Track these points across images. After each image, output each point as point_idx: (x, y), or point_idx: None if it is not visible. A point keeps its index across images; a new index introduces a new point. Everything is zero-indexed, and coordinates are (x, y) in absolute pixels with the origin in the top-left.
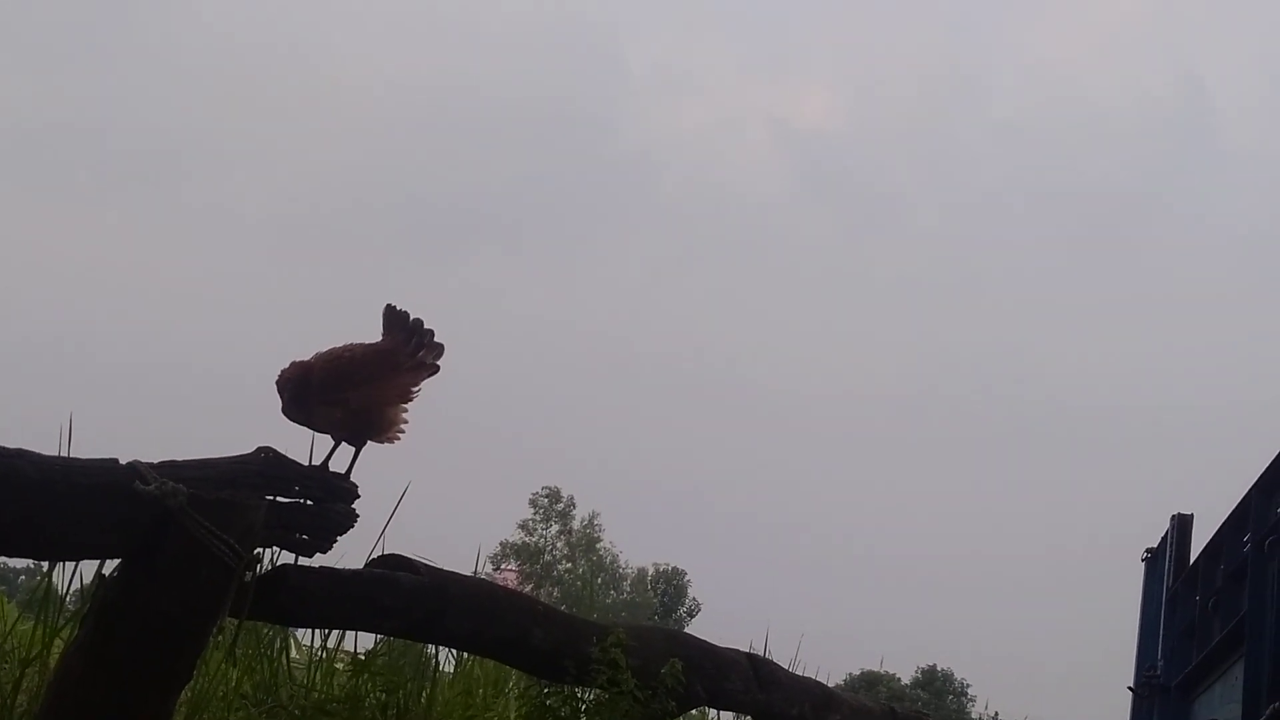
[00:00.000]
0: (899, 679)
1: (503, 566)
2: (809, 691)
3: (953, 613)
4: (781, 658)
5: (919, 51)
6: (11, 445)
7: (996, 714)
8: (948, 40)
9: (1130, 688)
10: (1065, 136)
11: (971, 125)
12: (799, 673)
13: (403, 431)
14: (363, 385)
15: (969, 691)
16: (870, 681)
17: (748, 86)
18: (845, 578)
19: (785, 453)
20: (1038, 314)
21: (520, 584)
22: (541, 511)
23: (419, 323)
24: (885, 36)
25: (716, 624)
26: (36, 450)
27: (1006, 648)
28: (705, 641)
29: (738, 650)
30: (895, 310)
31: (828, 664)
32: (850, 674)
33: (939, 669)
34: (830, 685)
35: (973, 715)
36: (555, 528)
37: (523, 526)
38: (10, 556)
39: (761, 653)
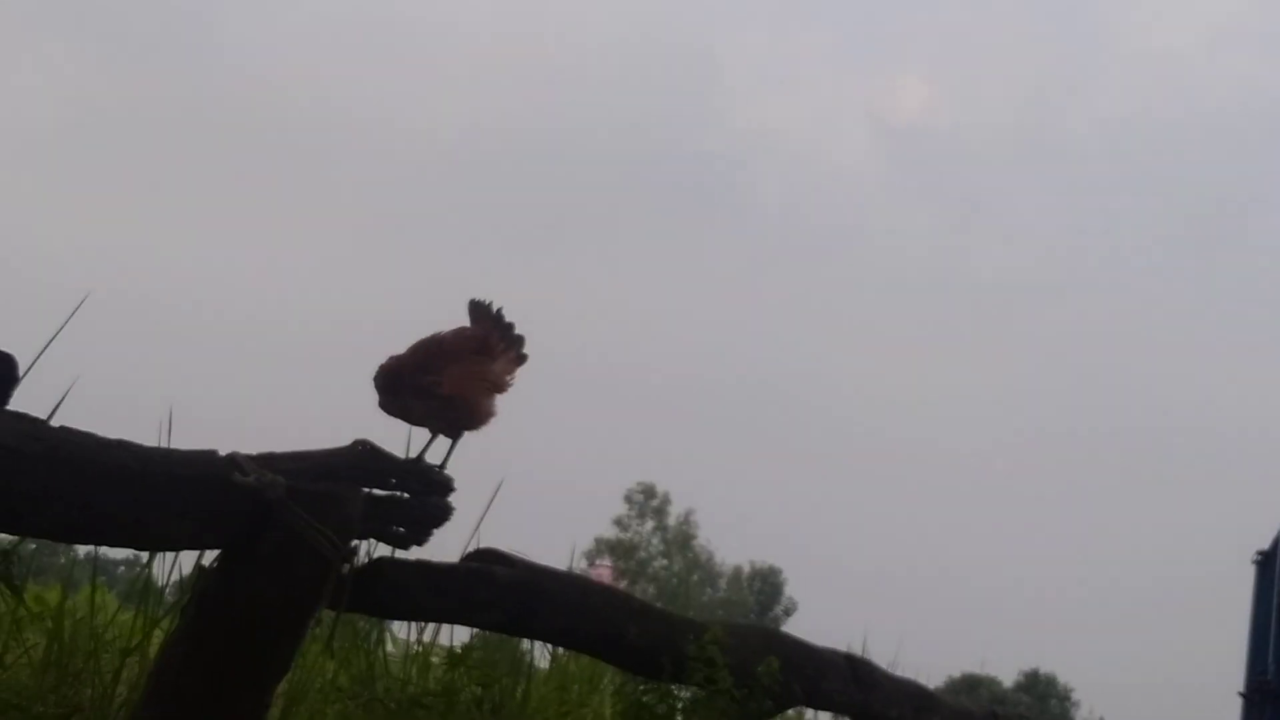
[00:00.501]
0: (1001, 682)
1: (597, 562)
2: (909, 693)
3: (1057, 616)
4: (880, 659)
5: (1023, 43)
6: (112, 436)
7: (1101, 719)
8: (1052, 32)
9: (1240, 693)
10: (1175, 134)
11: (1077, 120)
12: (898, 674)
13: (494, 422)
14: (450, 367)
15: (1073, 696)
16: (971, 684)
17: (844, 81)
18: (947, 579)
19: (882, 452)
20: (1145, 318)
21: (615, 580)
22: (636, 508)
23: (501, 313)
24: (987, 28)
25: (814, 623)
26: (137, 441)
27: (1111, 652)
28: (803, 640)
29: (836, 650)
30: (996, 310)
31: (928, 666)
32: (950, 676)
33: (1041, 673)
34: (930, 688)
35: None
36: (650, 524)
37: (618, 522)
38: (112, 547)
39: (860, 653)
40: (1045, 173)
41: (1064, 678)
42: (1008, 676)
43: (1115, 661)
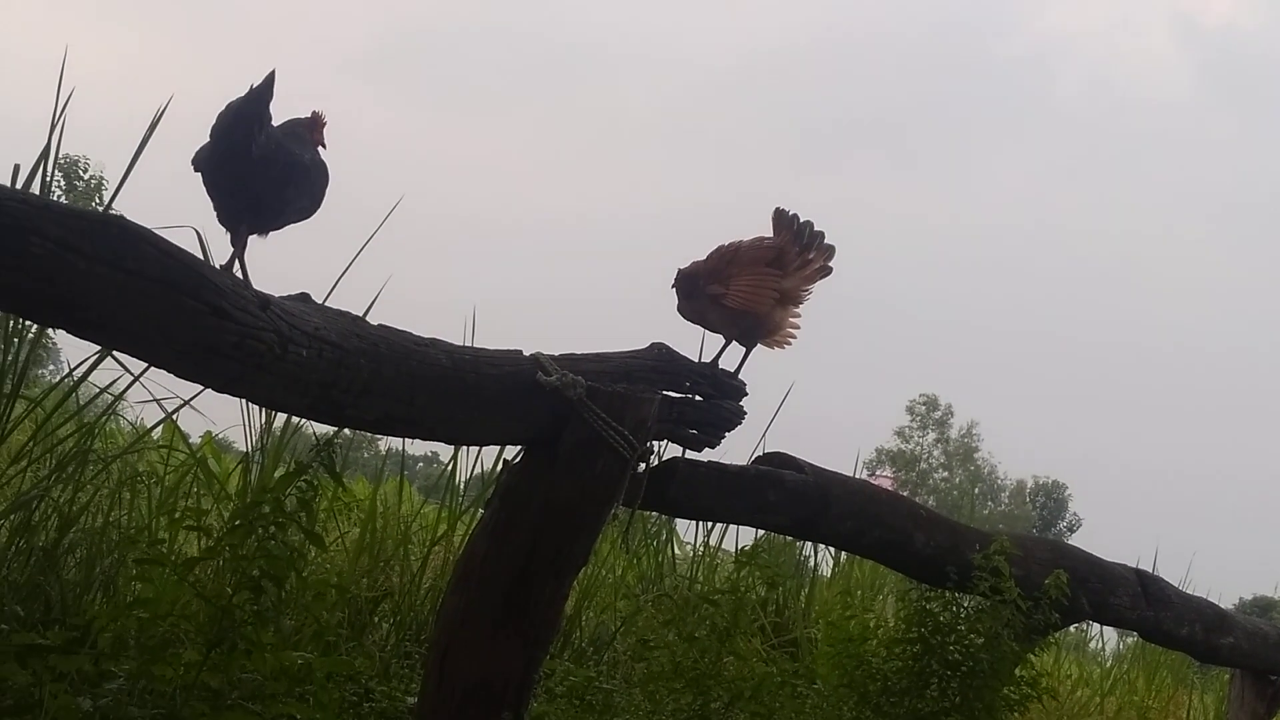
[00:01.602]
0: None
1: (878, 473)
2: (1201, 611)
3: None
4: (1171, 577)
5: None
6: (425, 335)
7: None
8: None
9: None
10: None
11: None
12: (1189, 593)
13: (794, 336)
14: (740, 277)
15: None
16: (1264, 607)
17: None
18: (1243, 497)
19: (1179, 369)
20: None
21: (895, 490)
22: (919, 419)
23: (809, 224)
24: None
25: (1100, 541)
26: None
27: None
28: (1091, 555)
29: (1125, 565)
30: None
31: (1219, 586)
32: (1242, 598)
33: None
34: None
35: None
36: (932, 436)
37: (899, 434)
38: (426, 440)
39: (1150, 571)
40: None
41: None
42: None
43: None
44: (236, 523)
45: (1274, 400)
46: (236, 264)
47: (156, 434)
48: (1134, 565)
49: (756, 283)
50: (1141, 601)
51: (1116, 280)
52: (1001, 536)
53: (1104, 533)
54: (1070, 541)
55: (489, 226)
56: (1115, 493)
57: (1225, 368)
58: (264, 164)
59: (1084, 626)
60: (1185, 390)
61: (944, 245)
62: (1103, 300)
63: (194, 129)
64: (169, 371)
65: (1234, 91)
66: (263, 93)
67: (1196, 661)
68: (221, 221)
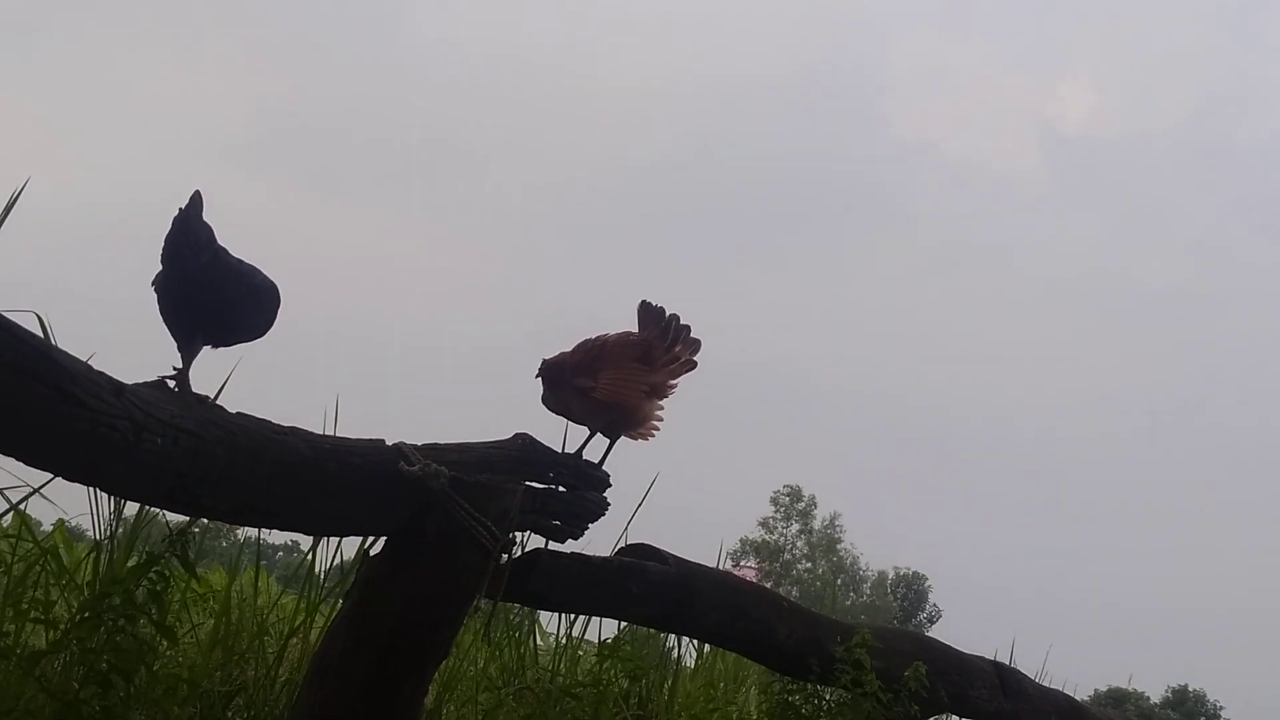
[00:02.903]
0: (1148, 698)
1: (742, 563)
2: (1056, 704)
3: (1207, 631)
4: (1027, 670)
5: (1194, 52)
6: (285, 424)
7: None
8: (1223, 41)
9: None
10: None
11: (1248, 131)
12: (1046, 684)
13: (658, 428)
14: (607, 371)
15: (1222, 714)
16: (1118, 699)
17: (1011, 89)
18: (1095, 591)
19: (1033, 464)
20: None
21: (759, 581)
22: (782, 510)
23: (674, 318)
24: (1159, 35)
25: (958, 632)
26: (308, 429)
27: (1262, 670)
28: (951, 647)
29: (984, 658)
30: (1158, 322)
31: (1074, 679)
32: (1097, 690)
33: (1191, 689)
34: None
35: None
36: (795, 527)
37: (763, 524)
38: (284, 531)
39: (1008, 663)
40: (1214, 183)
41: (1213, 695)
42: (1155, 692)
43: (1266, 679)
44: (85, 615)
45: (1125, 493)
46: (183, 374)
47: (6, 522)
48: (992, 658)
49: (625, 377)
50: (999, 694)
51: (979, 376)
52: (863, 629)
53: (963, 624)
54: (930, 633)
55: (354, 316)
56: (974, 584)
57: (1084, 461)
58: (212, 285)
59: (943, 719)
60: (1043, 483)
61: (809, 338)
62: (965, 395)
63: (53, 213)
64: (17, 459)
65: (1088, 199)
66: (188, 213)
67: None
68: (175, 336)
